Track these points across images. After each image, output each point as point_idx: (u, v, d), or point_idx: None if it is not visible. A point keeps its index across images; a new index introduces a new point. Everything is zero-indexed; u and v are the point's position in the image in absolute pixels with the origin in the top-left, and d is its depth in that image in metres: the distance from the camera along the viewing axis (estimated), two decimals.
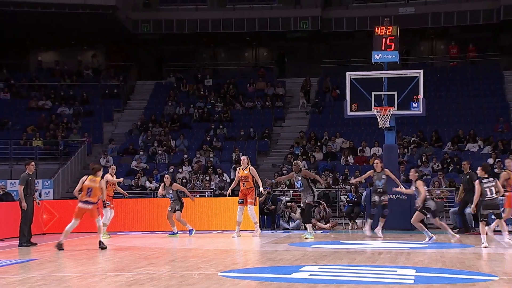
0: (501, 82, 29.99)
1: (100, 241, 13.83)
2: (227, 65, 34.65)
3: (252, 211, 16.74)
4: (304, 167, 17.16)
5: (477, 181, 13.91)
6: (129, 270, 10.38)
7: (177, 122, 28.81)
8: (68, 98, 30.70)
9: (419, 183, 15.04)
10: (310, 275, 9.66)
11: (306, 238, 15.93)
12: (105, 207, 17.06)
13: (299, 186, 16.33)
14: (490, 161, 23.10)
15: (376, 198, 16.62)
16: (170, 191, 17.53)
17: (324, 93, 30.29)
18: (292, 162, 24.16)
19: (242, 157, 17.09)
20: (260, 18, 31.79)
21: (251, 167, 16.81)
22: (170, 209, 17.57)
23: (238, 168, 17.15)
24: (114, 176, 17.45)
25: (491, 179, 13.77)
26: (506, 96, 29.03)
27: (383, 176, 16.56)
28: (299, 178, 16.30)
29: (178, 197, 17.67)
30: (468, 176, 17.83)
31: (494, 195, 13.57)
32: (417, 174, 15.57)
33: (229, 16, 31.97)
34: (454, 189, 20.05)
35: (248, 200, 16.66)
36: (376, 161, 16.98)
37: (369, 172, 16.86)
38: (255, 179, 16.67)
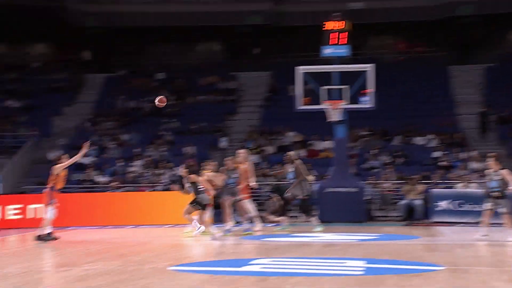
0: (447, 77, 30.63)
1: None
2: (178, 59, 34.44)
3: None
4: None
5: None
6: (80, 264, 10.28)
7: (128, 116, 28.53)
8: (15, 92, 30.07)
9: None
10: (261, 268, 9.73)
11: (317, 231, 15.96)
12: None
13: (292, 177, 16.37)
14: (437, 154, 23.65)
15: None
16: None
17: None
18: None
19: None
20: (211, 12, 31.68)
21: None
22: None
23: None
24: None
25: None
26: (452, 91, 29.66)
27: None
28: (291, 169, 16.42)
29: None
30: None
31: None
32: None
33: (179, 9, 31.75)
34: (405, 181, 20.33)
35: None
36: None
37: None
38: None
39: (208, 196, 14.61)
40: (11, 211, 18.75)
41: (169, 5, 31.98)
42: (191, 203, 14.45)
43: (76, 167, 24.56)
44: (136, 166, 24.10)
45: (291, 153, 17.15)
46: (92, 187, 22.78)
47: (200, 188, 14.44)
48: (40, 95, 30.32)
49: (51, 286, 8.28)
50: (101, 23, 31.91)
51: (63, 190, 17.89)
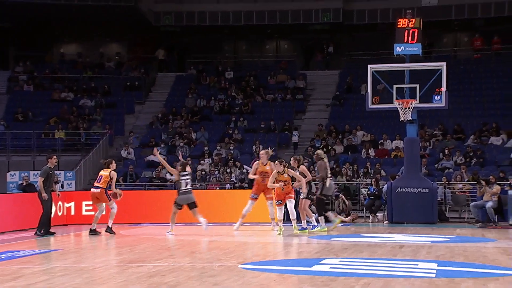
0: None
1: None
2: (248, 58, 34.62)
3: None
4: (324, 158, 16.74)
5: None
6: (150, 261, 10.43)
7: (198, 114, 28.85)
8: (90, 90, 30.88)
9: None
10: (330, 268, 9.63)
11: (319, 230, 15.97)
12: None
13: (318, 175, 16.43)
14: None
15: None
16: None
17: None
18: (312, 155, 24.25)
19: (261, 152, 16.40)
20: (282, 11, 31.66)
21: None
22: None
23: (257, 162, 16.45)
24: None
25: None
26: None
27: None
28: (317, 168, 16.42)
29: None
30: None
31: None
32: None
33: (250, 8, 31.90)
34: (476, 182, 19.86)
35: (268, 196, 16.18)
36: None
37: None
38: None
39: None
40: (85, 207, 19.25)
41: (239, 4, 32.15)
42: (174, 203, 15.40)
43: (147, 165, 25.05)
44: (205, 164, 24.34)
45: (319, 151, 17.01)
46: (162, 184, 23.15)
47: (181, 188, 15.36)
48: (114, 93, 31.02)
49: (124, 281, 8.43)
50: (173, 22, 32.38)
51: (134, 188, 18.32)
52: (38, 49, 34.15)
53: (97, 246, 13.50)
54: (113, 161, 16.01)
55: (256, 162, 16.52)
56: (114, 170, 15.65)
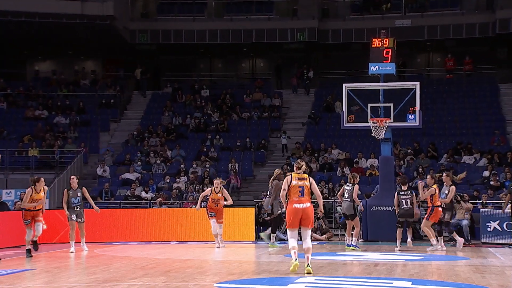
0: (496, 95, 30.10)
1: None
2: (224, 76, 34.72)
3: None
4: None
5: (396, 193, 16.47)
6: (125, 280, 10.35)
7: (174, 132, 28.82)
8: (65, 108, 30.69)
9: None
10: (306, 286, 9.65)
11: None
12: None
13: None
14: (486, 173, 23.20)
15: None
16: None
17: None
18: (286, 174, 24.31)
19: (216, 181, 17.50)
20: (257, 29, 31.88)
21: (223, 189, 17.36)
22: None
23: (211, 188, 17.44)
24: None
25: (408, 192, 16.45)
26: (502, 109, 29.12)
27: None
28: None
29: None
30: None
31: (409, 205, 16.24)
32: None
33: (226, 27, 32.06)
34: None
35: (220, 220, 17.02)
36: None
37: None
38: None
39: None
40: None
41: (215, 23, 32.32)
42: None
43: (122, 183, 24.90)
44: (181, 182, 24.27)
45: (276, 170, 17.57)
46: (137, 203, 23.02)
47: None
48: (89, 111, 30.85)
49: None
50: (149, 41, 32.38)
51: (109, 206, 18.14)
52: (11, 66, 33.88)
53: (71, 266, 13.36)
54: (40, 181, 15.05)
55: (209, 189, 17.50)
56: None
